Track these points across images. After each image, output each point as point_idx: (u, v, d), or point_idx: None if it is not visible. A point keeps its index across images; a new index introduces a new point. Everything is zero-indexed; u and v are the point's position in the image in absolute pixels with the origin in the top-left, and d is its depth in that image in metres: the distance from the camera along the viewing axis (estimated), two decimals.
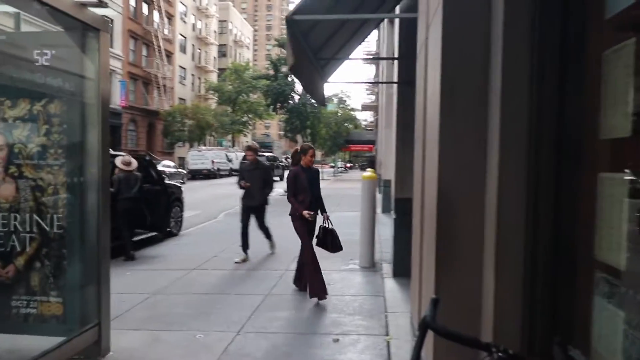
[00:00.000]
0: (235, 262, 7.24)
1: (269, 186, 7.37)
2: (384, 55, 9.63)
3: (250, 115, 49.25)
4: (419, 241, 2.91)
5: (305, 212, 5.35)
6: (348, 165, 59.65)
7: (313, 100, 22.05)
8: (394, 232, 6.25)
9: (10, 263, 3.82)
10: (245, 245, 7.47)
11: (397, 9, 5.74)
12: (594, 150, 1.75)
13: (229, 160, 36.93)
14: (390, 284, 6.15)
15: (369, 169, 13.30)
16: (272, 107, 23.19)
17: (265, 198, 7.44)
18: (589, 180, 1.72)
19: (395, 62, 6.30)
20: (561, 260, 1.82)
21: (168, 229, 9.77)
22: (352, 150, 48.62)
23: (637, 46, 1.53)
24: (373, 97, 45.54)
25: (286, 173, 9.41)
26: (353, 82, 15.49)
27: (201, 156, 34.55)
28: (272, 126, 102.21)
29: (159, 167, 17.59)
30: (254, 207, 7.35)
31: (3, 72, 3.77)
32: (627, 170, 1.56)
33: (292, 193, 5.45)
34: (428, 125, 2.64)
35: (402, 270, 6.23)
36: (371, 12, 5.02)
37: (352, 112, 45.61)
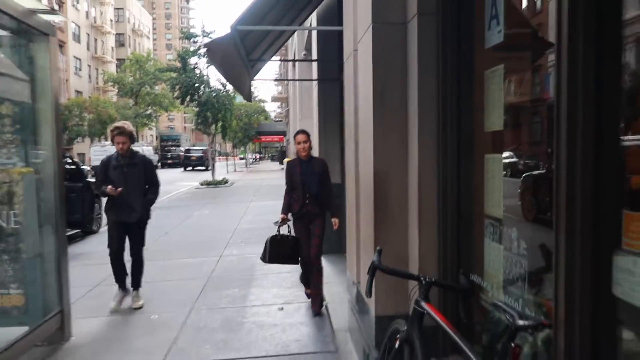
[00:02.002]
0: (112, 311, 4.91)
1: (153, 189, 5.06)
2: (296, 52, 10.29)
3: (154, 108, 47.63)
4: (355, 216, 3.62)
5: (280, 216, 4.69)
6: (258, 156, 59.84)
7: (228, 92, 22.17)
8: None
9: None
10: (121, 279, 5.11)
11: (314, 16, 6.42)
12: (481, 139, 2.52)
13: None
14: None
15: (286, 160, 13.95)
16: (180, 99, 22.85)
17: (147, 209, 5.03)
18: (479, 159, 2.50)
19: (314, 62, 6.96)
20: (463, 216, 2.60)
21: (89, 226, 9.71)
22: (262, 141, 48.94)
23: (505, 69, 2.30)
24: (280, 89, 46.17)
25: None
26: (279, 80, 16.02)
27: (104, 151, 33.07)
28: (176, 119, 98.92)
29: None
30: (129, 223, 4.91)
31: None
32: (501, 153, 2.35)
33: (287, 190, 4.78)
34: (361, 122, 3.33)
35: (328, 248, 6.97)
36: (291, 20, 5.61)
37: (260, 104, 45.89)
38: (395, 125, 2.83)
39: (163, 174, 28.60)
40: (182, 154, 44.36)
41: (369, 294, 2.41)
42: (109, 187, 4.76)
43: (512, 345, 1.67)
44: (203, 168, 30.94)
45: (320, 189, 4.59)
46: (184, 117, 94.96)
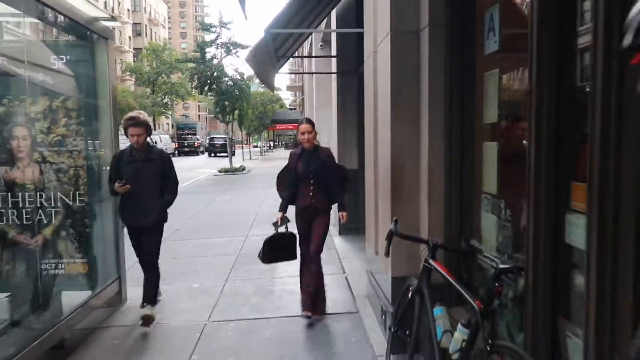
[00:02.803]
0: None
1: (171, 189, 4.48)
2: (313, 45, 10.87)
3: (171, 97, 48.45)
4: (373, 195, 4.19)
5: (278, 215, 4.41)
6: (272, 144, 60.53)
7: (245, 81, 22.74)
8: None
9: (38, 233, 4.62)
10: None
11: (333, 13, 6.96)
12: (480, 130, 3.07)
13: (154, 143, 36.59)
14: (338, 240, 7.47)
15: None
16: (200, 89, 23.50)
17: (164, 211, 4.45)
18: (479, 146, 3.04)
19: (333, 56, 7.51)
20: (464, 192, 3.16)
21: None
22: (277, 129, 49.56)
23: (500, 72, 2.84)
24: (294, 77, 46.63)
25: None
26: (300, 73, 16.49)
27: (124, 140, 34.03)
28: (191, 107, 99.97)
29: None
30: (144, 227, 4.35)
31: (24, 75, 4.50)
32: (496, 141, 2.89)
33: (280, 183, 4.55)
34: (379, 114, 3.89)
35: (346, 229, 7.58)
36: (314, 18, 6.15)
37: (275, 92, 46.42)
38: (409, 118, 3.39)
39: (181, 162, 29.34)
40: (199, 142, 45.18)
41: (387, 254, 3.00)
42: (117, 183, 4.20)
43: (496, 284, 2.24)
44: (225, 154, 32.35)
45: (328, 179, 4.31)
46: (198, 105, 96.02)
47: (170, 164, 4.56)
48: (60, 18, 4.17)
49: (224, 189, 15.75)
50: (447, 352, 2.60)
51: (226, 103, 23.12)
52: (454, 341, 2.57)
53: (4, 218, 4.22)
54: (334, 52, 7.22)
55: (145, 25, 62.40)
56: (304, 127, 4.33)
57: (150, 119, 4.46)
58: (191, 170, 24.10)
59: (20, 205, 4.34)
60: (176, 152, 42.23)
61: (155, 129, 48.08)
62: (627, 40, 1.12)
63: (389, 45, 3.46)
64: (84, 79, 4.58)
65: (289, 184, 4.41)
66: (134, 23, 58.22)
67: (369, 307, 4.54)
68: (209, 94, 23.38)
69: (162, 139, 38.12)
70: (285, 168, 4.48)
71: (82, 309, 4.27)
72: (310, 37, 11.16)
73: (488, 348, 2.17)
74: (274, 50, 5.55)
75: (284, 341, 3.91)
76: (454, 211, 3.18)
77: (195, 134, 49.85)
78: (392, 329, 3.27)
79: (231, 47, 22.45)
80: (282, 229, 4.45)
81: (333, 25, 7.30)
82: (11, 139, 4.30)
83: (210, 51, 23.19)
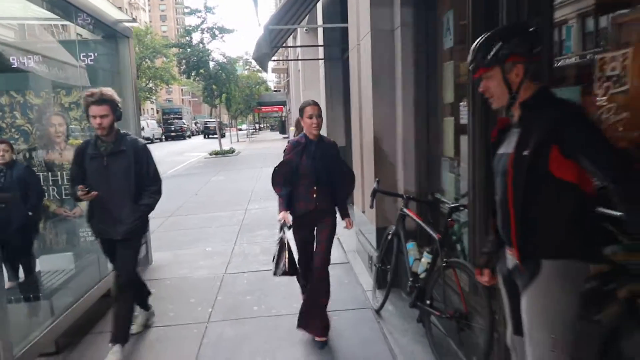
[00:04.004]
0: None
1: (153, 190, 3.53)
2: (299, 34, 11.66)
3: (156, 82, 48.50)
4: (360, 163, 5.07)
5: (281, 215, 3.44)
6: (258, 126, 60.94)
7: (232, 65, 23.27)
8: None
9: (76, 206, 5.42)
10: (140, 299, 3.94)
11: (319, 7, 7.77)
12: (442, 108, 3.94)
13: (142, 129, 36.99)
14: None
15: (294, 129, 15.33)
16: (187, 74, 23.97)
17: (142, 219, 3.51)
18: (440, 121, 3.92)
19: (320, 45, 8.32)
20: (430, 157, 4.05)
21: None
22: (262, 111, 50.02)
23: (454, 64, 3.69)
24: (278, 59, 47.12)
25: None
26: (290, 60, 17.03)
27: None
28: (174, 91, 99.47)
29: None
30: (115, 240, 3.43)
31: (59, 72, 5.23)
32: (453, 117, 3.77)
33: (278, 180, 3.48)
34: (363, 96, 4.74)
35: None
36: (304, 10, 6.93)
37: (259, 74, 46.81)
38: (387, 100, 4.25)
39: (170, 146, 29.79)
40: (185, 126, 45.65)
41: (371, 207, 3.89)
42: (80, 188, 3.25)
43: (449, 219, 3.14)
44: (220, 136, 33.43)
45: (334, 178, 3.53)
46: (182, 89, 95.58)
47: (148, 156, 3.49)
48: (92, 20, 4.91)
49: (217, 171, 16.49)
50: (417, 274, 3.52)
51: (214, 87, 23.66)
52: (421, 265, 3.49)
53: (46, 194, 5.00)
54: (320, 42, 8.02)
55: (126, 9, 61.82)
56: (311, 109, 3.43)
57: (118, 98, 3.43)
58: (182, 154, 24.75)
59: (60, 183, 5.12)
60: (163, 136, 42.63)
61: (141, 115, 48.22)
62: (468, 62, 1.97)
63: (370, 41, 4.30)
64: (110, 72, 5.34)
65: (285, 181, 3.46)
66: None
67: (358, 259, 5.46)
68: (196, 78, 23.84)
69: (149, 124, 38.50)
70: (283, 163, 3.45)
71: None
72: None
73: (443, 264, 3.08)
74: (270, 42, 6.35)
75: (290, 285, 4.80)
76: (423, 171, 4.08)
77: (181, 118, 50.11)
78: (377, 266, 4.19)
79: (217, 32, 22.91)
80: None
81: (319, 15, 8.08)
82: (49, 127, 5.06)
83: (195, 36, 23.58)
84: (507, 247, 2.03)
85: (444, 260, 3.09)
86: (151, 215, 3.71)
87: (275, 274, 3.53)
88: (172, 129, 45.61)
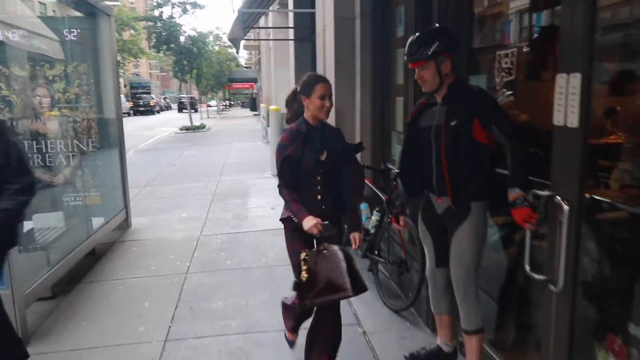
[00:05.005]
0: None
1: (15, 189, 2.44)
2: (270, 17, 12.08)
3: (123, 55, 47.45)
4: None
5: (308, 221, 2.48)
6: (228, 103, 60.55)
7: (203, 40, 23.28)
8: None
9: (59, 173, 5.82)
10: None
11: None
12: (394, 88, 4.54)
13: None
14: None
15: (266, 106, 15.71)
16: (157, 48, 23.84)
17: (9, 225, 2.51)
18: (393, 100, 4.52)
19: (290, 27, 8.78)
20: (384, 131, 4.66)
21: None
22: (233, 88, 49.78)
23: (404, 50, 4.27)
24: (250, 36, 46.79)
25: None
26: (262, 40, 17.13)
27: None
28: (142, 65, 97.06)
29: None
30: None
31: (41, 46, 5.56)
32: (402, 96, 4.37)
33: (286, 179, 2.63)
34: (327, 76, 5.29)
35: None
36: None
37: (229, 50, 46.42)
38: (348, 80, 4.83)
39: (138, 121, 29.52)
40: (154, 101, 45.16)
41: None
42: None
43: (394, 182, 3.76)
44: (193, 110, 33.27)
45: (339, 175, 2.75)
46: (150, 63, 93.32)
47: (8, 143, 2.46)
48: None
49: (188, 145, 16.78)
50: (368, 230, 4.15)
51: (185, 62, 23.65)
52: (372, 222, 4.12)
53: (30, 162, 5.37)
54: (291, 24, 8.49)
55: None
56: (325, 87, 2.61)
57: None
58: (152, 129, 24.77)
59: (44, 151, 5.51)
60: (132, 111, 42.07)
61: None
62: (408, 55, 2.54)
63: (333, 29, 4.84)
64: (92, 47, 5.70)
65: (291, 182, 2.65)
66: None
67: None
68: (167, 52, 23.74)
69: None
70: (285, 161, 2.59)
71: (103, 229, 5.57)
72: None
73: (388, 219, 3.72)
74: (243, 23, 6.79)
75: (258, 243, 5.39)
76: (377, 143, 4.70)
77: (149, 93, 49.40)
78: None
79: (188, 7, 22.82)
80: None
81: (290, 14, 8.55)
82: (34, 98, 5.41)
83: (166, 10, 23.42)
84: (438, 197, 2.62)
85: (389, 216, 3.72)
86: None
87: (304, 303, 2.45)
88: (141, 103, 45.01)
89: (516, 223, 2.18)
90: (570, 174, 1.93)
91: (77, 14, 5.65)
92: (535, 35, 2.70)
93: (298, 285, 2.49)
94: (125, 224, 6.17)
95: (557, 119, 1.96)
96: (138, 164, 11.58)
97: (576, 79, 1.85)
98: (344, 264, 2.39)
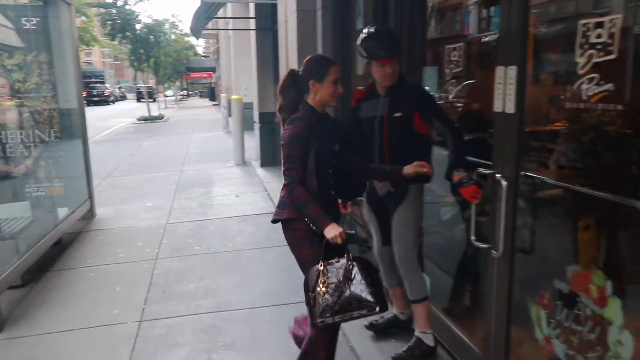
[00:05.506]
0: None
1: None
2: (229, 7, 12.12)
3: None
4: None
5: (332, 230, 2.18)
6: (187, 92, 59.43)
7: (160, 28, 22.84)
8: (260, 135, 9.12)
9: (20, 164, 5.76)
10: None
11: None
12: (355, 78, 4.77)
13: None
14: (260, 170, 9.09)
15: (227, 95, 15.67)
16: (112, 36, 23.23)
17: None
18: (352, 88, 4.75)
19: (252, 17, 8.87)
20: (344, 119, 4.91)
21: None
22: (192, 77, 48.95)
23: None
24: (208, 25, 46.00)
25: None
26: (223, 29, 16.84)
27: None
28: (94, 54, 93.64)
29: None
30: None
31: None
32: (362, 86, 4.61)
33: (299, 175, 2.27)
34: (290, 66, 5.46)
35: (266, 162, 9.22)
36: None
37: (186, 39, 45.52)
38: None
39: (93, 112, 28.77)
40: (109, 91, 43.98)
41: None
42: None
43: None
44: (151, 100, 32.53)
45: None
46: (103, 52, 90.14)
47: None
48: None
49: (147, 136, 16.55)
50: None
51: (141, 51, 23.16)
52: None
53: None
54: (252, 14, 8.58)
55: None
56: (338, 70, 2.42)
57: None
58: (107, 120, 24.21)
59: (4, 142, 5.45)
60: (85, 101, 40.71)
61: None
62: (383, 50, 2.76)
63: (295, 20, 5.02)
64: (52, 36, 5.65)
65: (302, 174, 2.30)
66: None
67: None
68: (122, 41, 23.17)
69: None
70: (305, 150, 2.27)
71: (68, 219, 5.58)
72: None
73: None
74: (205, 12, 6.83)
75: (225, 229, 5.55)
76: None
77: (103, 82, 47.96)
78: None
79: None
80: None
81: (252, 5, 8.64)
82: None
83: None
84: (380, 181, 2.87)
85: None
86: None
87: (322, 321, 2.17)
88: (95, 93, 43.66)
89: (464, 200, 2.47)
90: (508, 154, 2.21)
91: (37, 2, 5.58)
92: (482, 30, 2.99)
93: (314, 301, 2.18)
94: (90, 214, 6.18)
95: (497, 106, 2.23)
96: (97, 155, 11.33)
97: (512, 70, 2.13)
98: (366, 277, 2.17)
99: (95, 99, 42.62)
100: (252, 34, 9.15)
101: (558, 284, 2.04)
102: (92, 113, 29.63)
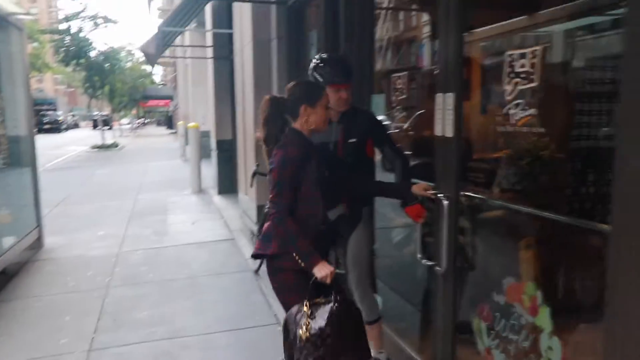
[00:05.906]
0: None
1: None
2: (187, 35, 12.20)
3: None
4: (243, 153, 5.89)
5: (322, 268, 2.08)
6: (144, 120, 58.44)
7: (115, 55, 22.58)
8: (217, 163, 9.11)
9: None
10: None
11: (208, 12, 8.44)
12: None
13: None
14: (217, 198, 9.05)
15: (184, 123, 15.56)
16: (66, 62, 22.75)
17: None
18: None
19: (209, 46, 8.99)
20: None
21: None
22: (148, 105, 48.29)
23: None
24: (165, 53, 45.77)
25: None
26: (180, 57, 16.78)
27: None
28: (46, 80, 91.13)
29: None
30: None
31: None
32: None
33: (288, 203, 2.16)
34: (246, 95, 5.57)
35: (223, 189, 9.19)
36: (192, 12, 7.55)
37: (142, 67, 45.13)
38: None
39: (44, 139, 27.89)
40: (61, 119, 42.89)
41: (251, 185, 4.75)
42: None
43: None
44: (107, 127, 31.82)
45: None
46: (55, 78, 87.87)
47: None
48: None
49: (101, 164, 16.14)
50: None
51: (96, 78, 22.78)
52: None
53: None
54: (209, 42, 8.67)
55: None
56: (327, 94, 2.41)
57: None
58: (60, 148, 23.46)
59: None
60: (35, 129, 39.38)
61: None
62: (340, 76, 2.90)
63: (251, 49, 5.15)
64: (1, 62, 5.54)
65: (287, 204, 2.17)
66: None
67: (242, 235, 6.28)
68: (76, 68, 22.72)
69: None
70: (296, 176, 2.19)
71: (14, 248, 5.36)
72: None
73: None
74: (162, 40, 6.89)
75: (180, 257, 5.49)
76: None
77: (55, 110, 46.57)
78: (256, 236, 5.06)
79: (99, 21, 22.09)
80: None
81: (208, 18, 8.73)
82: None
83: (75, 24, 22.48)
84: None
85: None
86: None
87: None
88: (46, 120, 42.29)
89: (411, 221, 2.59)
90: (448, 175, 2.36)
91: None
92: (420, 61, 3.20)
93: (292, 345, 2.05)
94: (38, 243, 5.96)
95: (437, 130, 2.39)
96: (48, 183, 11.00)
97: (450, 97, 2.30)
98: (352, 322, 2.05)
99: (46, 126, 41.26)
100: (210, 62, 9.24)
101: (496, 297, 2.16)
102: (43, 141, 28.57)
